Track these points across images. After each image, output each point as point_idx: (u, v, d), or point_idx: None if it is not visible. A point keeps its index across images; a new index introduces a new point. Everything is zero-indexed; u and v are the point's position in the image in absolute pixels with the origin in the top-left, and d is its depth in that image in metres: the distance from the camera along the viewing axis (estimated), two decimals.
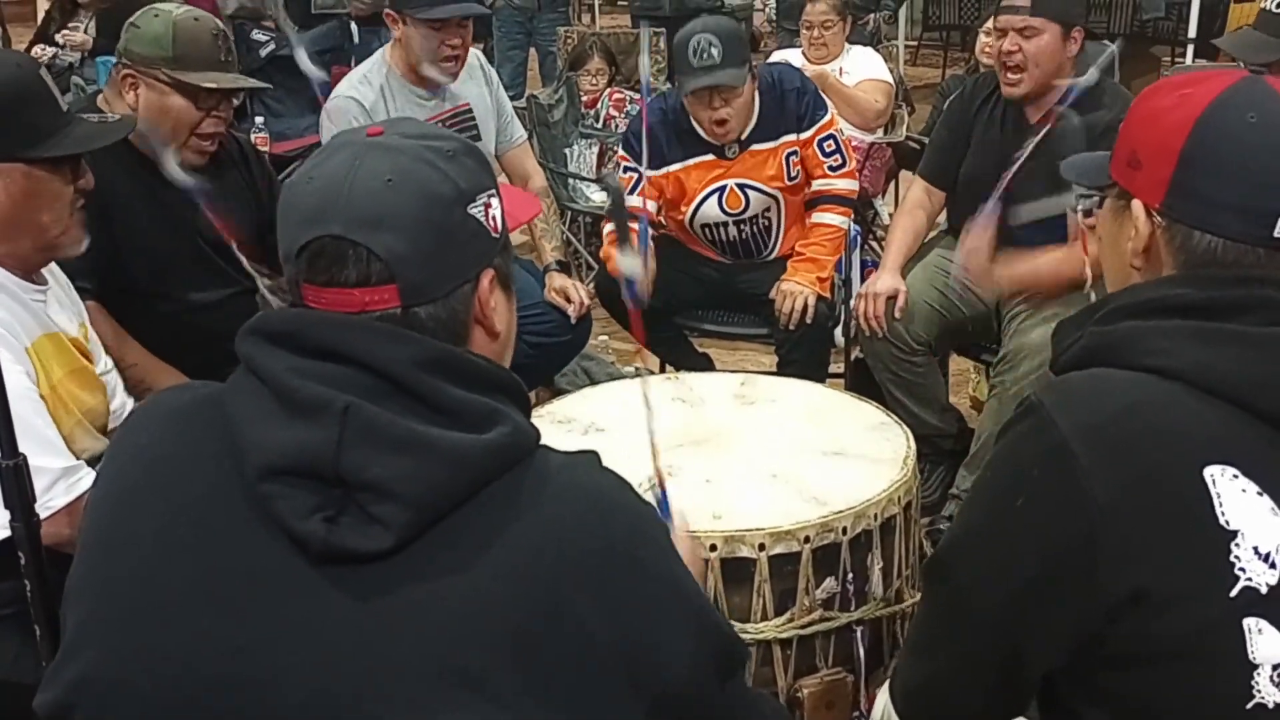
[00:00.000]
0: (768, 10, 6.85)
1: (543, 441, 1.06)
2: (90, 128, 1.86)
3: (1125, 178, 1.26)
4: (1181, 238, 1.20)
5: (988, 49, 4.10)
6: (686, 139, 3.13)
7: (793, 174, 3.15)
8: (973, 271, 2.79)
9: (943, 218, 3.24)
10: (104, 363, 2.06)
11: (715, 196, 3.17)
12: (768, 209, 3.21)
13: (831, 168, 3.17)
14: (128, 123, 2.03)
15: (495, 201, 1.09)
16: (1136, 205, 1.23)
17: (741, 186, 3.15)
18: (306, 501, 0.96)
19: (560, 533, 1.00)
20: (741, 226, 3.23)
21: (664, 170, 3.15)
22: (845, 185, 3.21)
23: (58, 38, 6.37)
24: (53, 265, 1.95)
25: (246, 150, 2.62)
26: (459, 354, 1.04)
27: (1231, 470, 1.11)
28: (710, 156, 3.13)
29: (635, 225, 3.02)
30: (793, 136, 3.12)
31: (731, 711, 1.13)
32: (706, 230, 3.26)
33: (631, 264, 1.71)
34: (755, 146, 3.12)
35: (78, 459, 1.76)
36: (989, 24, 4.01)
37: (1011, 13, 2.85)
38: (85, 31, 5.98)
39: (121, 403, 2.09)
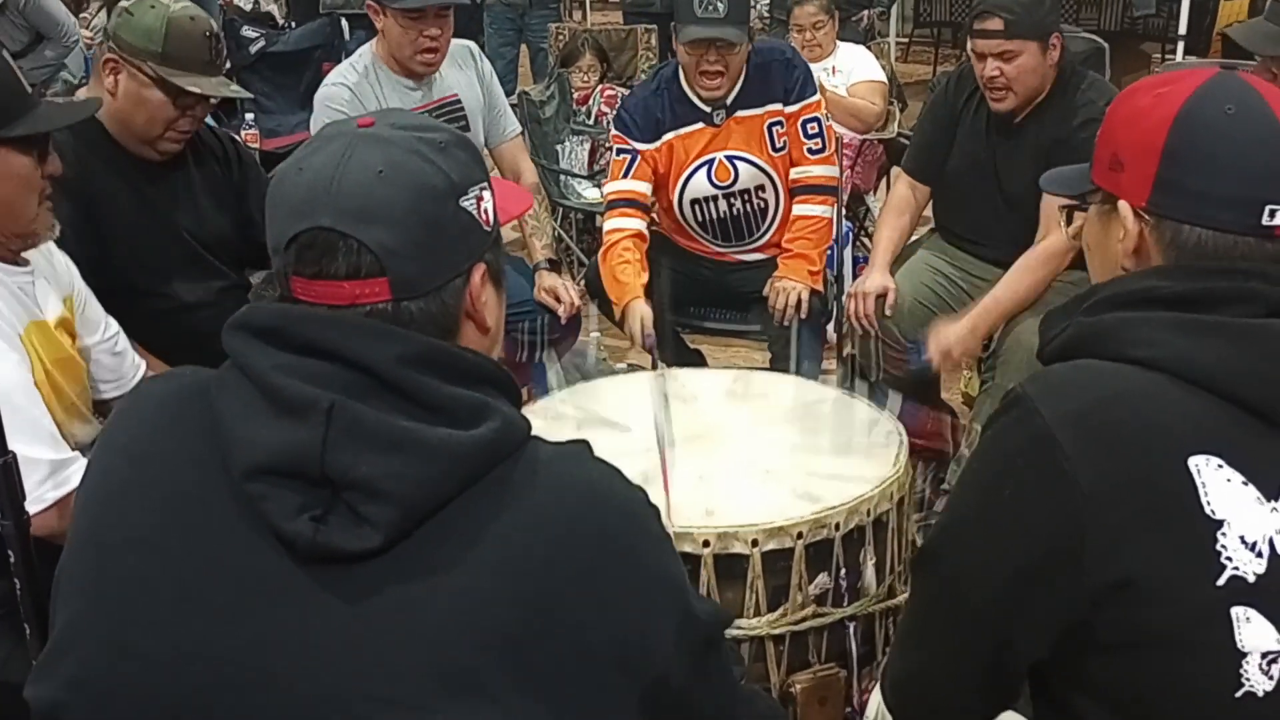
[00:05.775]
0: (759, 6, 6.82)
1: (533, 433, 1.05)
2: (55, 108, 1.85)
3: (1109, 181, 1.26)
4: (1171, 233, 1.20)
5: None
6: (679, 106, 3.15)
7: (778, 144, 3.16)
8: (952, 359, 2.88)
9: (929, 212, 3.25)
10: (103, 329, 2.06)
11: (704, 169, 3.18)
12: (761, 186, 3.20)
13: (811, 150, 3.17)
14: (92, 103, 2.02)
15: (487, 194, 1.09)
16: (1123, 206, 1.23)
17: (730, 158, 3.16)
18: (293, 501, 0.96)
19: (551, 525, 0.99)
20: (731, 200, 3.23)
21: (657, 142, 3.16)
22: (824, 171, 3.20)
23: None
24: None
25: (227, 146, 2.59)
26: (446, 348, 1.02)
27: (1216, 460, 1.12)
28: (700, 125, 3.15)
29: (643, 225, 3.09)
30: (778, 106, 3.13)
31: (716, 696, 1.13)
32: (696, 208, 3.25)
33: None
34: (740, 113, 3.13)
35: (73, 448, 1.75)
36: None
37: (986, 37, 2.80)
38: (89, 28, 5.92)
39: (134, 362, 2.11)
